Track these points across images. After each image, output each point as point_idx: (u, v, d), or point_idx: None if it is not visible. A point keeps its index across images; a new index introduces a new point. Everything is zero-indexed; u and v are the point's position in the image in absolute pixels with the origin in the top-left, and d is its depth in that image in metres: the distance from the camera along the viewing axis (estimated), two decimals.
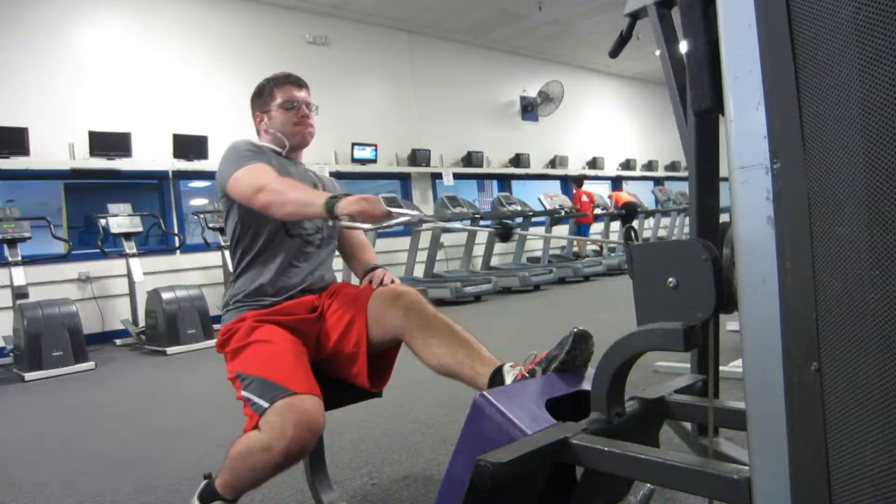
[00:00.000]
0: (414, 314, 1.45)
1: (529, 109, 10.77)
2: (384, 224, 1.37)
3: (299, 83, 1.75)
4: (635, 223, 10.38)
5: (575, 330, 1.27)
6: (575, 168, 11.24)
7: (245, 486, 1.42)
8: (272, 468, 1.33)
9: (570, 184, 10.10)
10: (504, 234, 1.59)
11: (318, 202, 1.38)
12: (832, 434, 0.69)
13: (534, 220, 8.67)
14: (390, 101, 8.86)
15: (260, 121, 1.76)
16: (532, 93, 10.81)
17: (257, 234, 1.62)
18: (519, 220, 8.21)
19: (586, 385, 1.22)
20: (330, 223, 1.63)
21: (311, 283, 1.66)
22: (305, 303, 1.61)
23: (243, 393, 1.41)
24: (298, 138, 1.73)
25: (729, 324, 2.72)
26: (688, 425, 1.65)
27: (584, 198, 9.56)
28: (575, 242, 9.79)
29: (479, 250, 8.48)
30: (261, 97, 1.76)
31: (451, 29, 9.31)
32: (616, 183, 9.64)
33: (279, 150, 1.73)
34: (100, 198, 6.19)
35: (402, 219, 1.41)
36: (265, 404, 1.34)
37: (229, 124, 6.95)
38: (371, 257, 1.80)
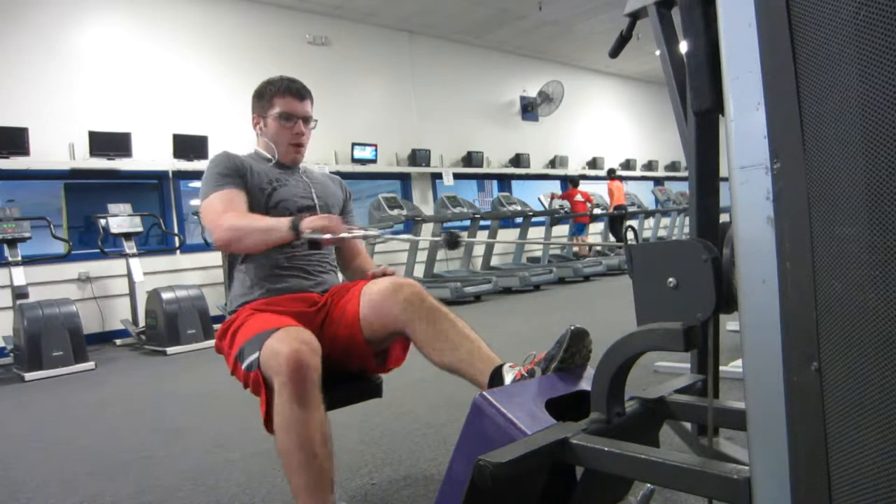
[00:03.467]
0: (414, 307, 1.44)
1: (529, 109, 10.77)
2: (340, 236, 1.45)
3: (301, 94, 1.70)
4: (635, 223, 10.39)
5: (571, 328, 1.27)
6: (575, 168, 11.25)
7: (304, 460, 1.30)
8: (295, 406, 1.27)
9: (568, 184, 10.10)
10: (451, 242, 1.62)
11: (282, 225, 1.43)
12: (832, 434, 0.69)
13: (534, 219, 8.66)
14: (390, 101, 8.87)
15: (256, 123, 1.75)
16: (532, 93, 10.80)
17: None
18: (519, 220, 8.22)
19: (586, 385, 1.22)
20: (297, 241, 1.58)
21: (311, 284, 1.65)
22: (306, 298, 1.61)
23: (243, 367, 1.39)
24: (288, 159, 1.73)
25: (729, 324, 2.72)
26: (688, 425, 1.65)
27: (579, 197, 9.55)
28: (575, 242, 9.79)
29: (479, 250, 8.49)
30: (261, 100, 1.72)
31: (451, 29, 9.31)
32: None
33: (269, 157, 1.72)
34: (100, 198, 6.19)
35: (357, 233, 1.52)
36: (257, 353, 1.34)
37: (229, 124, 6.96)
38: (368, 265, 1.78)
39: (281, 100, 1.68)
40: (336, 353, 1.54)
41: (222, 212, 1.52)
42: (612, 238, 9.91)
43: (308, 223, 1.40)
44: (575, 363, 1.28)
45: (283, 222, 1.44)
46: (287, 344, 1.30)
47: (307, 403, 1.29)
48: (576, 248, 9.78)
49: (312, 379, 1.30)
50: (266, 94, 1.70)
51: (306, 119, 1.72)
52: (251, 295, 1.60)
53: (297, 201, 1.68)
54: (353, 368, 1.63)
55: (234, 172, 1.61)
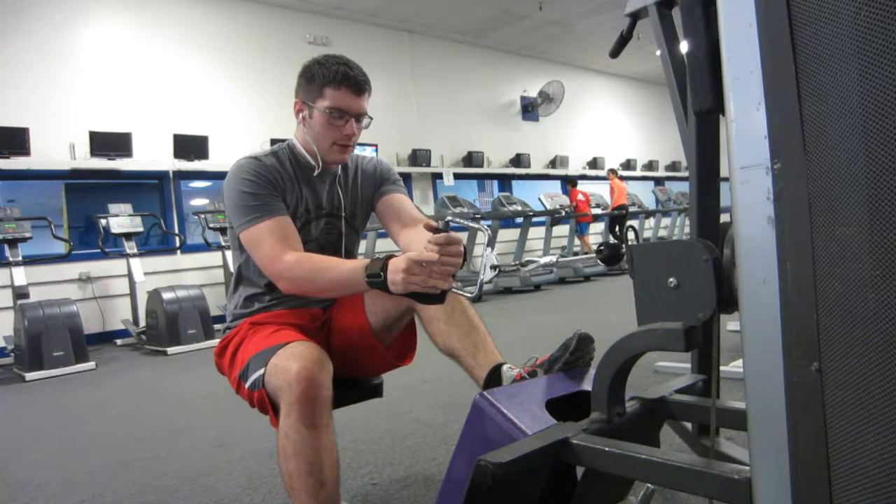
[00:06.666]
0: None
1: (530, 109, 10.77)
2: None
3: (359, 87, 1.42)
4: (635, 223, 10.39)
5: (579, 332, 1.27)
6: (575, 168, 11.26)
7: (312, 488, 1.20)
8: (304, 429, 1.18)
9: (567, 185, 10.10)
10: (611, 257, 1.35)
11: (359, 281, 1.21)
12: (832, 434, 0.69)
13: (534, 219, 8.66)
14: (390, 101, 8.86)
15: (299, 110, 1.47)
16: (532, 93, 10.80)
17: None
18: (519, 220, 8.22)
19: (587, 385, 1.22)
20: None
21: (316, 299, 1.55)
22: (308, 312, 1.54)
23: (247, 385, 1.31)
24: (330, 159, 1.49)
25: (729, 324, 2.72)
26: (688, 425, 1.65)
27: (581, 197, 9.57)
28: (577, 241, 9.79)
29: (479, 251, 8.49)
30: (309, 84, 1.43)
31: (452, 29, 9.31)
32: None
33: (310, 163, 1.50)
34: (100, 198, 6.19)
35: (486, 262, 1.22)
36: (262, 370, 1.25)
37: (230, 124, 6.96)
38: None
39: (334, 91, 1.40)
40: (346, 364, 1.46)
41: (279, 250, 1.33)
42: (611, 238, 9.91)
43: (397, 285, 1.16)
44: (577, 366, 1.28)
45: (358, 276, 1.22)
46: (296, 361, 1.19)
47: (317, 426, 1.20)
48: (578, 246, 9.79)
49: (323, 399, 1.20)
50: (317, 79, 1.41)
51: (360, 116, 1.45)
52: (250, 307, 1.52)
53: (320, 236, 1.53)
54: (367, 373, 1.58)
55: (274, 190, 1.41)
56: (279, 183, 1.44)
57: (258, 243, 1.36)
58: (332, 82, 1.40)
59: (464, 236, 7.33)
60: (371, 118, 1.49)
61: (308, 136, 1.47)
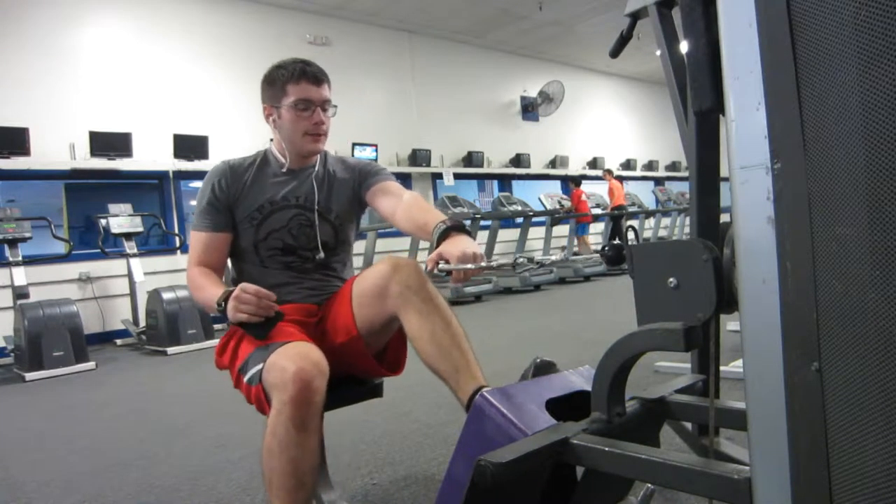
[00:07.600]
0: (412, 291, 1.37)
1: (530, 109, 10.77)
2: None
3: (317, 78, 1.52)
4: (635, 223, 10.39)
5: (537, 360, 1.26)
6: (575, 168, 11.26)
7: (292, 487, 1.22)
8: (292, 429, 1.19)
9: (570, 184, 10.10)
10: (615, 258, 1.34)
11: (214, 307, 1.39)
12: (832, 434, 0.69)
13: (534, 219, 8.66)
14: (391, 101, 8.87)
15: (269, 115, 1.56)
16: (532, 93, 10.81)
17: (242, 258, 1.60)
18: (519, 220, 8.23)
19: (586, 385, 1.22)
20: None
21: (312, 296, 1.58)
22: (304, 308, 1.55)
23: (245, 380, 1.33)
24: (306, 151, 1.58)
25: (729, 324, 2.72)
26: (688, 425, 1.65)
27: (583, 198, 9.58)
28: (576, 242, 9.78)
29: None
30: (272, 87, 1.53)
31: (452, 29, 9.31)
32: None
33: (281, 158, 1.59)
34: (100, 198, 6.19)
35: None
36: (261, 365, 1.27)
37: (230, 124, 6.96)
38: (432, 216, 1.44)
39: (295, 86, 1.50)
40: (337, 363, 1.44)
41: (194, 261, 1.53)
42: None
43: (231, 317, 1.35)
44: None
45: (215, 301, 1.39)
46: (294, 361, 1.21)
47: (306, 428, 1.21)
48: (576, 248, 9.78)
49: (316, 403, 1.22)
50: (277, 81, 1.51)
51: (324, 105, 1.54)
52: None
53: (290, 226, 1.56)
54: (357, 374, 1.59)
55: (222, 203, 1.55)
56: (233, 192, 1.56)
57: (191, 245, 1.57)
58: (292, 79, 1.50)
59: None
60: (336, 106, 1.58)
61: (280, 135, 1.57)
